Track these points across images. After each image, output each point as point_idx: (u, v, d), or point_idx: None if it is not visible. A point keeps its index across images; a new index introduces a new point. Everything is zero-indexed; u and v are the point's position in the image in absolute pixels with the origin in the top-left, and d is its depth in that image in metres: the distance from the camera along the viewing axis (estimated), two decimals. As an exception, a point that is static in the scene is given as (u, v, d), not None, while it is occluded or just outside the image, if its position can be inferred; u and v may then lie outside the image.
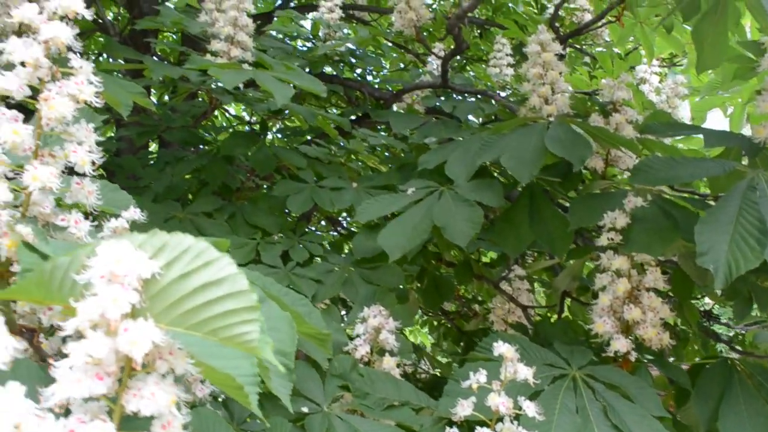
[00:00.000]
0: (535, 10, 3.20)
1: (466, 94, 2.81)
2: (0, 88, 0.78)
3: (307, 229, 2.43)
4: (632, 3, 2.06)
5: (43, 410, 0.53)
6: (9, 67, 0.82)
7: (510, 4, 3.12)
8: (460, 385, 1.12)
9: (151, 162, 2.49)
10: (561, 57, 2.03)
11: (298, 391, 1.30)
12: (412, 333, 4.54)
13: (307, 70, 2.79)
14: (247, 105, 2.44)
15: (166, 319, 0.54)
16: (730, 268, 1.30)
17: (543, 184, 1.91)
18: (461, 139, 1.97)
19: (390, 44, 3.58)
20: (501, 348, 1.11)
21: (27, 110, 0.82)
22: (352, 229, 3.25)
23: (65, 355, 0.54)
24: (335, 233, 3.37)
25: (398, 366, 1.48)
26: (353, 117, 3.07)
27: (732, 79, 2.06)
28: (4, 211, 0.78)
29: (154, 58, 3.28)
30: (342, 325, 1.63)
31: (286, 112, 2.73)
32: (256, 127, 2.86)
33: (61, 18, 0.81)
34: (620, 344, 1.53)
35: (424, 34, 3.16)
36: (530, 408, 1.09)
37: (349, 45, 2.76)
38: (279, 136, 3.36)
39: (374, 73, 3.98)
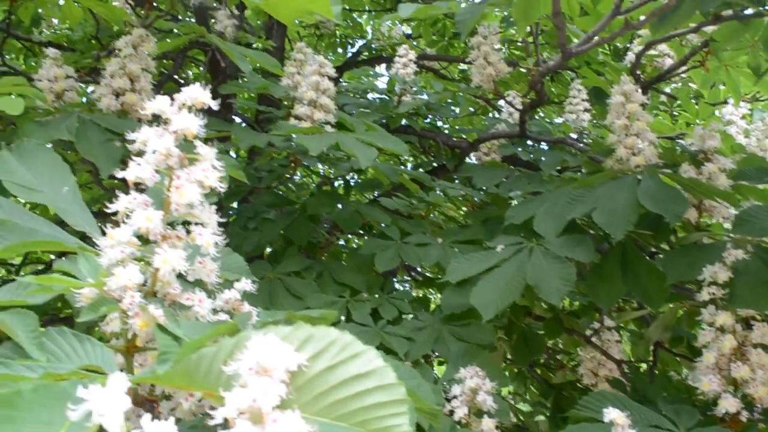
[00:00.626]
0: (612, 57, 3.19)
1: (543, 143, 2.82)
2: (135, 175, 0.83)
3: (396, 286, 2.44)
4: (717, 48, 2.02)
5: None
6: (140, 153, 0.87)
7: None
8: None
9: (231, 214, 2.57)
10: (644, 105, 2.01)
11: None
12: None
13: (383, 120, 2.85)
14: (330, 165, 2.50)
15: (312, 409, 0.56)
16: None
17: (633, 235, 1.87)
18: (547, 192, 1.96)
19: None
20: (611, 414, 1.09)
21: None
22: (427, 274, 3.25)
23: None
24: (408, 277, 3.38)
25: (497, 428, 1.46)
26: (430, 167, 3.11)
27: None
28: (137, 292, 0.82)
29: (236, 118, 3.42)
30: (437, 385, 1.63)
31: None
32: (339, 185, 2.92)
33: (189, 109, 0.86)
34: (729, 403, 1.47)
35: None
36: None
37: (427, 98, 2.79)
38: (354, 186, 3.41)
39: (444, 118, 4.02)
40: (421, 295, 2.99)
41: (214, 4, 2.68)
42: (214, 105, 0.86)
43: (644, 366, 2.81)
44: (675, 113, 3.40)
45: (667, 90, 3.28)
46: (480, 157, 3.08)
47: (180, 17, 3.08)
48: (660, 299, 1.76)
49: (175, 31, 2.49)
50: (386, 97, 3.49)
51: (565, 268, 1.64)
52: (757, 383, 1.47)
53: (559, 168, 2.60)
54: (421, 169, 3.06)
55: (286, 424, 0.55)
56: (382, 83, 4.47)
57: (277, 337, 0.57)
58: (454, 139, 3.32)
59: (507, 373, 2.66)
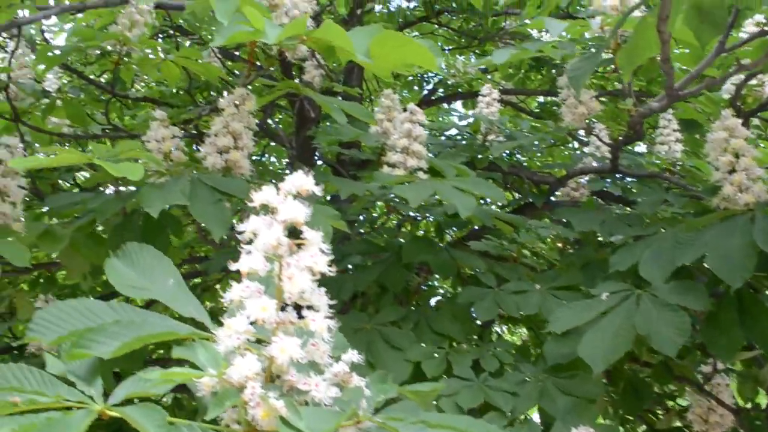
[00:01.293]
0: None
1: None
2: (248, 267, 0.85)
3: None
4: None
5: None
6: (249, 242, 0.89)
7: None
8: None
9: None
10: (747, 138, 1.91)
11: None
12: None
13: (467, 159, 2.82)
14: (424, 211, 2.49)
15: None
16: None
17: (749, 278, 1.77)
18: (651, 235, 1.88)
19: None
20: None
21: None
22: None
23: None
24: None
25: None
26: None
27: None
28: (257, 382, 0.83)
29: (320, 161, 3.47)
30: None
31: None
32: (432, 231, 2.90)
33: (294, 196, 0.87)
34: None
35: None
36: None
37: (518, 140, 2.75)
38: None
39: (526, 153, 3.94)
40: (519, 343, 2.91)
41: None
42: (318, 191, 0.87)
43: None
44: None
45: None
46: (568, 193, 3.00)
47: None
48: (781, 345, 1.65)
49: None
50: (468, 133, 3.46)
51: (678, 316, 1.56)
52: None
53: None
54: (508, 209, 3.01)
55: None
56: (458, 119, 4.46)
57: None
58: (538, 174, 3.25)
59: (610, 421, 2.54)
